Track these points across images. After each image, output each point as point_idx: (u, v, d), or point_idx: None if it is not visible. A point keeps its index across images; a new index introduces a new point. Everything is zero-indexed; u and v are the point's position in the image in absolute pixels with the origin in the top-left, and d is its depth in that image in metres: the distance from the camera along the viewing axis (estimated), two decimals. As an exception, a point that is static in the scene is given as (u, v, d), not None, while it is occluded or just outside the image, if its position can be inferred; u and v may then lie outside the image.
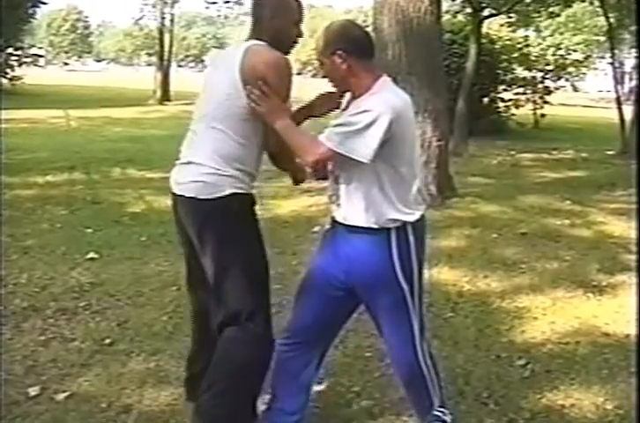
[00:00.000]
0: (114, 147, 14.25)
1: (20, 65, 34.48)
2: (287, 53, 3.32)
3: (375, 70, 3.14)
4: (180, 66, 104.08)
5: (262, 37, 3.23)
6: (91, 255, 6.41)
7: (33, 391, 3.82)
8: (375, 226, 3.03)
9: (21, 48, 35.97)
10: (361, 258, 3.09)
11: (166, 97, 31.68)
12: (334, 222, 3.22)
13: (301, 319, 3.29)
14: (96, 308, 5.14)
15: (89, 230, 7.31)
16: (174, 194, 3.33)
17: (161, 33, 34.09)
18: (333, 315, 3.30)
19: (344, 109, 3.21)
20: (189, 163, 3.25)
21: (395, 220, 3.03)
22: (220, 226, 3.20)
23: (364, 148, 2.91)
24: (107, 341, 4.55)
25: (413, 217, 3.08)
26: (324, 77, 3.17)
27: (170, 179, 3.36)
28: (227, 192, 3.17)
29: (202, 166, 3.17)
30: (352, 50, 3.05)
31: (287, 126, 3.06)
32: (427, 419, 3.37)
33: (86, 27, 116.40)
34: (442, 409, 3.37)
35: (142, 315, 5.04)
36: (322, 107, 3.40)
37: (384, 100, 2.98)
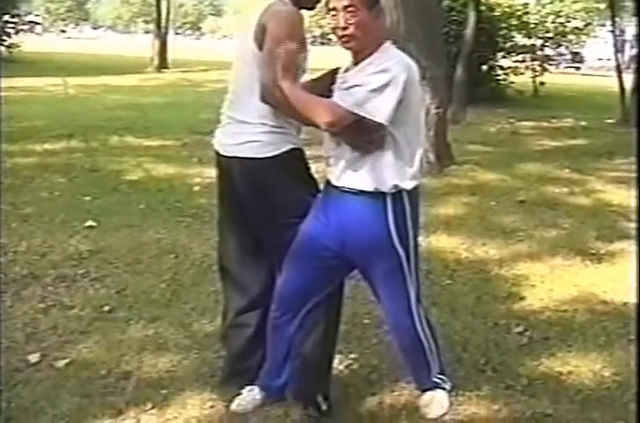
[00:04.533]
0: (112, 115, 14.17)
1: (17, 33, 34.11)
2: (312, 8, 3.28)
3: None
4: (177, 34, 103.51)
5: None
6: (89, 222, 6.40)
7: (33, 358, 3.85)
8: (372, 190, 2.99)
9: (18, 16, 35.55)
10: (356, 225, 3.06)
11: (163, 64, 31.44)
12: (329, 185, 3.17)
13: (291, 288, 3.26)
14: (95, 276, 5.15)
15: (87, 198, 7.31)
16: (222, 156, 3.31)
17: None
18: (324, 284, 3.28)
19: (343, 74, 3.14)
20: (240, 122, 3.22)
21: (395, 186, 2.99)
22: (283, 184, 3.21)
23: (383, 109, 2.86)
24: (106, 308, 4.57)
25: (411, 184, 3.04)
26: (344, 27, 2.94)
27: (214, 141, 3.36)
28: (285, 149, 3.17)
29: (254, 125, 3.15)
30: (374, 11, 2.97)
31: (294, 87, 2.97)
32: (426, 386, 3.39)
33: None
34: (441, 376, 3.39)
35: (140, 282, 5.05)
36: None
37: (398, 61, 2.94)
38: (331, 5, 2.95)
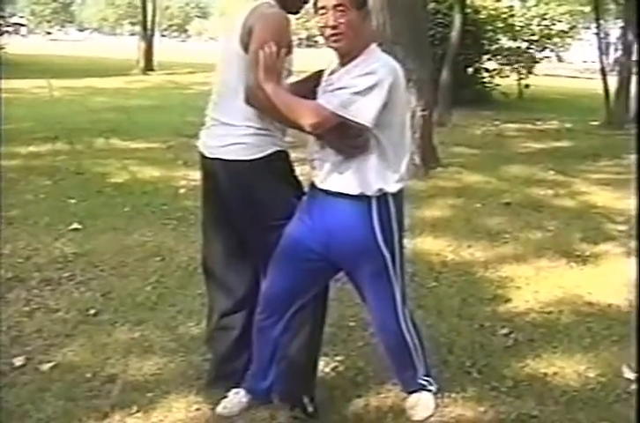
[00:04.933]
0: (97, 117, 14.14)
1: (1, 34, 34.01)
2: (297, 12, 3.29)
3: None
4: (163, 36, 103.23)
5: None
6: (74, 225, 6.39)
7: (18, 361, 3.83)
8: (357, 193, 2.99)
9: (2, 17, 35.48)
10: (342, 228, 3.06)
11: (149, 67, 31.36)
12: (313, 188, 3.17)
13: (277, 290, 3.26)
14: (80, 279, 5.14)
15: (72, 200, 7.29)
16: (207, 158, 3.31)
17: (144, 1, 33.66)
18: (310, 286, 3.28)
19: (328, 76, 3.13)
20: (223, 124, 3.22)
21: (380, 189, 2.99)
22: (269, 186, 3.22)
23: (367, 111, 2.85)
24: (92, 311, 4.56)
25: (396, 187, 3.05)
26: (333, 26, 2.92)
27: (199, 143, 3.36)
28: (270, 151, 3.17)
29: (239, 127, 3.15)
30: (363, 13, 2.98)
31: (278, 89, 2.96)
32: (412, 388, 3.40)
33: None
34: (427, 378, 3.40)
35: (126, 285, 5.04)
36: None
37: (385, 64, 2.95)
38: (320, 4, 2.95)
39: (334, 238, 3.07)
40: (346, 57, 3.02)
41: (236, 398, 3.43)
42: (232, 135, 3.17)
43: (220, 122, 3.24)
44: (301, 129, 2.94)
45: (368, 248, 3.06)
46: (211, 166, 3.31)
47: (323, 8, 2.94)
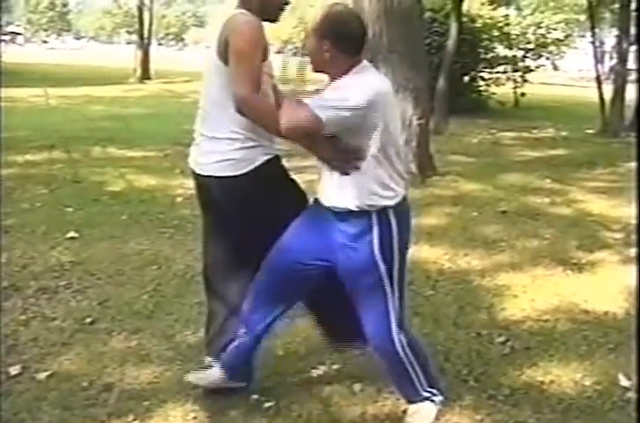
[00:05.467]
0: (94, 126, 14.15)
1: (-2, 43, 34.13)
2: (275, 20, 3.32)
3: (357, 62, 3.09)
4: (160, 44, 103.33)
5: (246, 5, 3.22)
6: (71, 234, 6.38)
7: (14, 370, 3.82)
8: (356, 209, 3.02)
9: (-1, 26, 35.59)
10: (341, 243, 3.08)
11: (146, 75, 31.45)
12: (316, 202, 3.21)
13: (270, 291, 3.32)
14: (77, 287, 5.13)
15: (69, 209, 7.28)
16: (199, 175, 3.33)
17: (141, 10, 33.78)
18: (302, 290, 3.37)
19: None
20: (209, 139, 3.25)
21: (378, 204, 3.02)
22: (263, 196, 3.25)
23: (332, 120, 2.88)
24: (88, 320, 4.55)
25: (395, 201, 3.07)
26: (307, 53, 3.11)
27: (189, 159, 3.38)
28: (259, 162, 3.21)
29: (225, 142, 3.19)
30: (340, 46, 3.01)
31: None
32: (414, 399, 3.39)
33: (65, 5, 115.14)
34: (431, 389, 3.39)
35: (123, 293, 5.04)
36: None
37: (361, 81, 2.98)
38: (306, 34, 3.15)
39: (334, 251, 3.11)
40: (333, 77, 3.09)
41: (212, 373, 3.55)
42: (218, 151, 3.21)
43: (206, 136, 3.29)
44: (282, 136, 2.99)
45: (365, 262, 3.07)
46: (202, 182, 3.35)
47: (307, 33, 3.12)
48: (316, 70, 3.12)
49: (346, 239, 3.07)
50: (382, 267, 3.08)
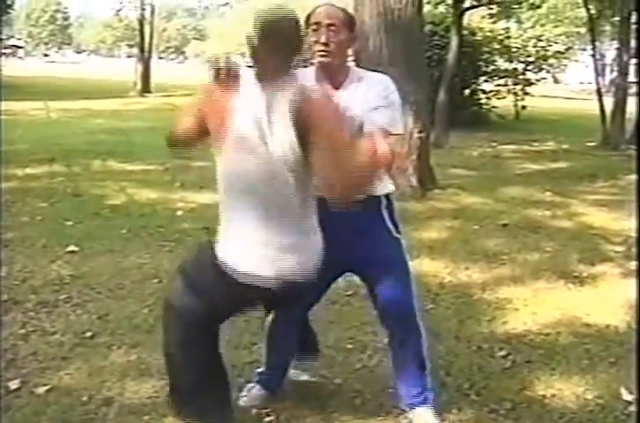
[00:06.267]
0: (94, 139, 14.17)
1: (-1, 56, 34.19)
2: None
3: None
4: (161, 58, 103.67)
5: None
6: (71, 247, 6.37)
7: (13, 385, 3.80)
8: (367, 197, 3.16)
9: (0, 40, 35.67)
10: (359, 228, 3.22)
11: (146, 89, 31.55)
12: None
13: None
14: (77, 301, 5.11)
15: (69, 223, 7.27)
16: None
17: (141, 24, 33.93)
18: (320, 292, 3.50)
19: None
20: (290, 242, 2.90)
21: (385, 190, 3.31)
22: None
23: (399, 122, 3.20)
24: (88, 334, 4.53)
25: (393, 186, 3.36)
26: (324, 43, 3.10)
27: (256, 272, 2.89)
28: None
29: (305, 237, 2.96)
30: (355, 39, 3.27)
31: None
32: (414, 400, 3.42)
33: (66, 18, 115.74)
34: (426, 394, 3.42)
35: (123, 307, 5.02)
36: None
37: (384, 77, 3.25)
38: (313, 20, 3.15)
39: (354, 239, 3.22)
40: (331, 74, 3.19)
41: (253, 392, 3.66)
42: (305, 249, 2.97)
43: (285, 241, 2.90)
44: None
45: (385, 236, 3.31)
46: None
47: (316, 24, 3.14)
48: (330, 65, 3.17)
49: (361, 222, 3.22)
50: (399, 237, 3.36)
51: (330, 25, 3.10)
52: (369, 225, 3.27)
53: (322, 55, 3.12)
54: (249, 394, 3.65)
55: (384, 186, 3.28)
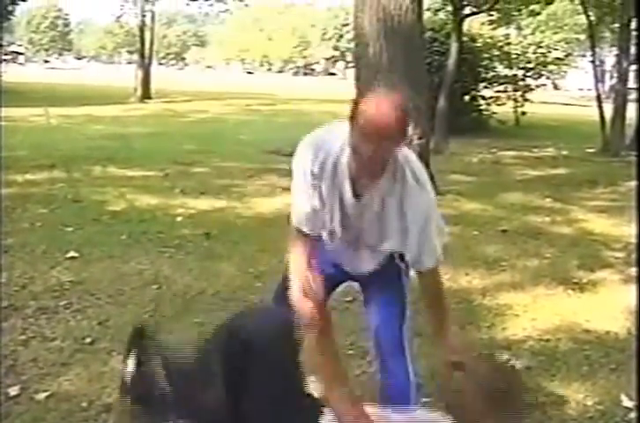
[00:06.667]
0: (94, 145, 14.16)
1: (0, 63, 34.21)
2: None
3: None
4: (161, 64, 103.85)
5: None
6: (71, 253, 6.36)
7: (12, 391, 3.79)
8: None
9: (0, 46, 35.71)
10: None
11: (147, 95, 31.56)
12: None
13: None
14: (77, 307, 5.11)
15: (69, 229, 7.27)
16: None
17: (142, 30, 33.92)
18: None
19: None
20: None
21: None
22: None
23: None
24: (88, 340, 4.52)
25: None
26: (374, 159, 2.57)
27: None
28: None
29: None
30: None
31: None
32: None
33: (66, 25, 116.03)
34: None
35: (123, 313, 5.01)
36: None
37: None
38: (367, 129, 2.50)
39: None
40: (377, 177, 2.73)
41: None
42: None
43: None
44: None
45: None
46: None
47: (368, 135, 2.51)
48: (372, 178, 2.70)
49: None
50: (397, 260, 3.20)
51: (385, 140, 2.53)
52: None
53: (371, 176, 2.68)
54: None
55: None
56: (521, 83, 23.81)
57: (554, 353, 4.59)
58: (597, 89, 19.60)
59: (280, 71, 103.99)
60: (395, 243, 2.88)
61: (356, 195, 2.77)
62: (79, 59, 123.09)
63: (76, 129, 17.38)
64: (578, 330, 5.02)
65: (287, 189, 8.61)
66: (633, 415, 3.78)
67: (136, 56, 36.99)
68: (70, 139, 15.15)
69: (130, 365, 2.60)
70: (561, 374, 4.27)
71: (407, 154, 2.80)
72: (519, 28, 27.65)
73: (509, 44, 23.27)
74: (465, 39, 18.89)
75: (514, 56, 23.35)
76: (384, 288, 3.28)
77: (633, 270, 6.38)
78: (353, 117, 2.54)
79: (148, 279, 5.76)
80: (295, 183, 2.86)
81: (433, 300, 3.08)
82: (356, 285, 3.48)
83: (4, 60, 35.88)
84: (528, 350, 4.63)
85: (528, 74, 24.07)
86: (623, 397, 3.96)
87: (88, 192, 9.20)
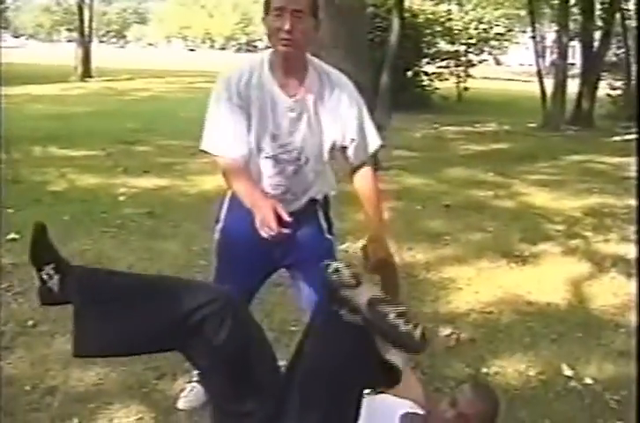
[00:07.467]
0: (34, 125, 13.93)
1: None
2: None
3: None
4: (102, 42, 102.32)
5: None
6: (12, 235, 6.27)
7: (-46, 376, 3.76)
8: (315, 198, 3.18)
9: None
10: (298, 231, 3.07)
11: (87, 73, 31.06)
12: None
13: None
14: (18, 290, 5.04)
15: (10, 210, 7.15)
16: None
17: (80, 7, 33.34)
18: (254, 290, 3.40)
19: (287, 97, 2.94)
20: None
21: (325, 194, 3.25)
22: None
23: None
24: (31, 323, 4.48)
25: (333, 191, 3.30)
26: (288, 30, 2.73)
27: None
28: None
29: None
30: (319, 25, 2.97)
31: None
32: None
33: (1, 2, 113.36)
34: None
35: (66, 295, 4.96)
36: None
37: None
38: (276, 4, 2.75)
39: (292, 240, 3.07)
40: (291, 64, 2.90)
41: (194, 392, 3.51)
42: None
43: None
44: None
45: (317, 238, 3.21)
46: None
47: (279, 9, 2.73)
48: (292, 55, 2.86)
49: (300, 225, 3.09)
50: (329, 237, 3.30)
51: (295, 10, 2.72)
52: (303, 224, 3.10)
53: (285, 45, 2.77)
54: (188, 395, 3.55)
55: (328, 190, 3.27)
56: (463, 58, 23.97)
57: (497, 325, 4.66)
58: (537, 64, 19.80)
59: (223, 48, 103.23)
60: (335, 135, 3.08)
61: (289, 95, 2.93)
62: (16, 37, 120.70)
63: (15, 109, 17.04)
64: (520, 302, 5.09)
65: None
66: (573, 383, 3.86)
67: (75, 34, 36.36)
68: (10, 119, 14.84)
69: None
70: (504, 346, 4.34)
71: (323, 63, 3.08)
72: (460, 4, 27.65)
73: (450, 20, 23.36)
74: (406, 14, 18.88)
75: (456, 32, 23.48)
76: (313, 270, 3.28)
77: (573, 243, 6.51)
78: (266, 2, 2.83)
79: (91, 260, 5.70)
80: (213, 111, 2.95)
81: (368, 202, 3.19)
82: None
83: (-61, 39, 35.00)
84: (471, 322, 4.69)
85: (470, 50, 24.24)
86: (564, 367, 4.04)
87: (29, 173, 9.06)
